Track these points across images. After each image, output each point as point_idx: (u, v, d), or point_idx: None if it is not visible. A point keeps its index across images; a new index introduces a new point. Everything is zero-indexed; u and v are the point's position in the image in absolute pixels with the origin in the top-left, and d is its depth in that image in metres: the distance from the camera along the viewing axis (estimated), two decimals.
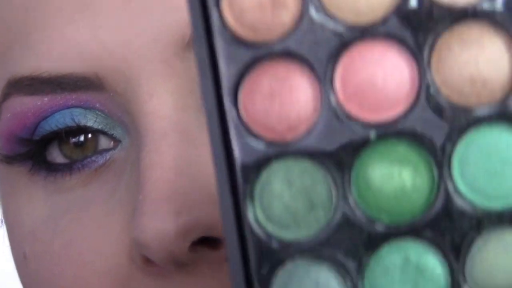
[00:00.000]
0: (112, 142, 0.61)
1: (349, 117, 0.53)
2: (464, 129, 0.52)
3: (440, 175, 0.52)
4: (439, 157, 0.53)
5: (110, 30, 0.57)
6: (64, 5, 0.58)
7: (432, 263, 0.52)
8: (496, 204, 0.52)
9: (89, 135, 0.61)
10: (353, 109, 0.53)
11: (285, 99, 0.54)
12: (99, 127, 0.60)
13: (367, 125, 0.53)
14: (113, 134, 0.61)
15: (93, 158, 0.60)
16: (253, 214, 0.53)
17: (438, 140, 0.52)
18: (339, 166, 0.53)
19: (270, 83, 0.54)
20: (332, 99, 0.53)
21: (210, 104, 0.54)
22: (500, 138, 0.52)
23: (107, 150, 0.61)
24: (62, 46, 0.58)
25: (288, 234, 0.54)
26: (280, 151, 0.53)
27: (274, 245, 0.54)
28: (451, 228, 0.52)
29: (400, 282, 0.53)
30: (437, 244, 0.52)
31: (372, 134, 0.53)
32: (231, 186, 0.54)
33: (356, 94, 0.53)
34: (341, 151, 0.53)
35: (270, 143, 0.53)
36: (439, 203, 0.52)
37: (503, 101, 0.52)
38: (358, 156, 0.53)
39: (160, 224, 0.54)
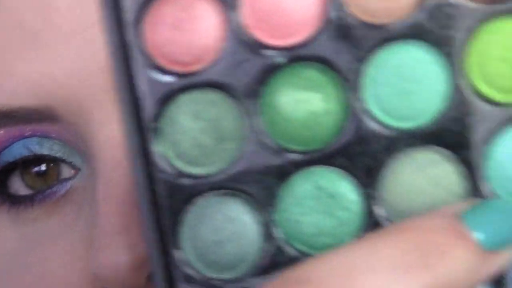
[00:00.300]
0: (72, 171, 0.61)
1: (256, 44, 0.51)
2: (373, 48, 0.50)
3: (351, 98, 0.50)
4: (349, 80, 0.50)
5: (58, 62, 0.58)
6: (12, 41, 0.59)
7: (345, 189, 0.51)
8: (407, 124, 0.50)
9: (51, 164, 0.61)
10: (261, 35, 0.51)
11: (190, 28, 0.52)
12: (57, 155, 0.61)
13: (275, 51, 0.51)
14: (72, 162, 0.61)
15: (54, 188, 0.61)
16: (162, 150, 0.51)
17: (347, 62, 0.50)
18: (247, 95, 0.51)
19: (174, 12, 0.52)
20: (239, 26, 0.51)
21: (113, 37, 0.52)
22: (409, 55, 0.50)
23: (68, 179, 0.61)
24: (13, 81, 0.59)
25: (199, 170, 0.52)
26: (187, 83, 0.51)
27: (185, 181, 0.52)
28: (363, 152, 0.51)
29: (313, 211, 0.51)
30: (349, 169, 0.51)
31: (280, 59, 0.50)
32: (137, 122, 0.52)
33: (262, 19, 0.51)
34: (249, 79, 0.51)
35: (176, 76, 0.51)
36: (350, 127, 0.51)
37: (411, 16, 0.50)
38: (267, 83, 0.51)
39: (115, 258, 0.55)
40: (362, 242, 0.45)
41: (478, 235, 0.45)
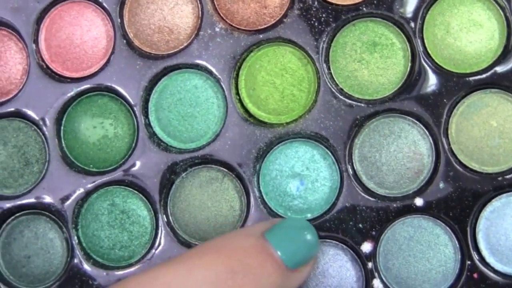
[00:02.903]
0: None
1: (54, 76, 0.56)
2: (157, 77, 0.55)
3: (138, 123, 0.55)
4: (138, 106, 0.55)
5: None
6: None
7: (136, 206, 0.55)
8: (189, 145, 0.55)
9: None
10: (58, 68, 0.57)
11: None
12: None
13: (71, 82, 0.56)
14: None
15: None
16: None
17: (135, 90, 0.55)
18: (51, 123, 0.56)
19: None
20: (38, 60, 0.57)
21: None
22: (187, 82, 0.55)
23: None
24: None
25: (9, 191, 0.57)
26: None
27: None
28: (151, 171, 0.55)
29: (108, 225, 0.56)
30: (138, 188, 0.55)
31: (73, 90, 0.56)
32: None
33: (57, 54, 0.57)
34: (50, 108, 0.56)
35: None
36: (139, 150, 0.55)
37: (187, 47, 0.55)
38: (66, 111, 0.56)
39: None
40: (178, 262, 0.47)
41: (281, 255, 0.48)
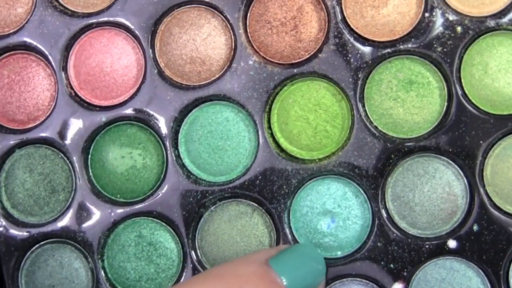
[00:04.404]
0: None
1: (83, 104, 0.56)
2: (188, 109, 0.55)
3: (167, 154, 0.55)
4: (168, 137, 0.55)
5: None
6: None
7: (164, 238, 0.55)
8: (219, 179, 0.54)
9: None
10: (87, 95, 0.56)
11: (24, 90, 0.57)
12: None
13: (99, 111, 0.55)
14: None
15: None
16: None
17: (165, 121, 0.55)
18: (78, 152, 0.56)
19: (9, 74, 0.57)
20: (66, 87, 0.56)
21: None
22: (218, 114, 0.54)
23: None
24: None
25: (34, 219, 0.56)
26: (22, 140, 0.56)
27: (22, 232, 0.56)
28: (178, 204, 0.54)
29: (135, 257, 0.55)
30: (166, 220, 0.54)
31: (103, 118, 0.55)
32: None
33: (86, 81, 0.56)
34: (77, 136, 0.55)
35: (12, 133, 0.56)
36: (168, 181, 0.55)
37: (219, 78, 0.54)
38: (93, 140, 0.56)
39: None
40: (183, 287, 0.48)
41: (285, 281, 0.48)
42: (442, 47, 0.52)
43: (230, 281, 0.47)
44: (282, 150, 0.54)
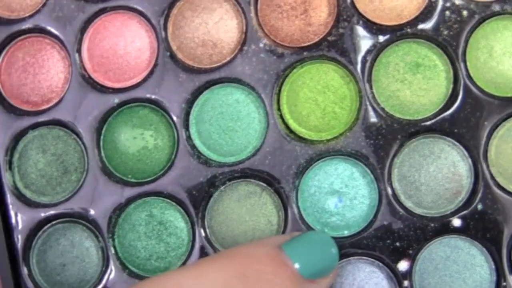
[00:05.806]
0: None
1: (96, 86, 0.57)
2: (199, 90, 0.56)
3: (178, 135, 0.56)
4: (179, 118, 0.56)
5: None
6: None
7: (174, 217, 0.56)
8: (229, 159, 0.55)
9: None
10: (100, 78, 0.57)
11: (38, 72, 0.58)
12: None
13: (112, 92, 0.57)
14: None
15: None
16: (12, 182, 0.57)
17: (176, 103, 0.56)
18: (91, 133, 0.57)
19: (24, 57, 0.58)
20: (80, 70, 0.57)
21: None
22: (229, 96, 0.56)
23: None
24: None
25: (46, 199, 0.57)
26: (35, 121, 0.57)
27: (34, 211, 0.57)
28: (190, 184, 0.55)
29: (145, 236, 0.56)
30: (177, 200, 0.56)
31: (116, 100, 0.56)
32: None
33: (100, 64, 0.57)
34: (90, 118, 0.56)
35: (26, 115, 0.57)
36: (178, 162, 0.56)
37: (231, 61, 0.55)
38: (106, 121, 0.57)
39: None
40: (191, 266, 0.48)
41: (297, 265, 0.48)
42: (448, 30, 0.54)
43: (241, 261, 0.47)
44: (291, 131, 0.55)
